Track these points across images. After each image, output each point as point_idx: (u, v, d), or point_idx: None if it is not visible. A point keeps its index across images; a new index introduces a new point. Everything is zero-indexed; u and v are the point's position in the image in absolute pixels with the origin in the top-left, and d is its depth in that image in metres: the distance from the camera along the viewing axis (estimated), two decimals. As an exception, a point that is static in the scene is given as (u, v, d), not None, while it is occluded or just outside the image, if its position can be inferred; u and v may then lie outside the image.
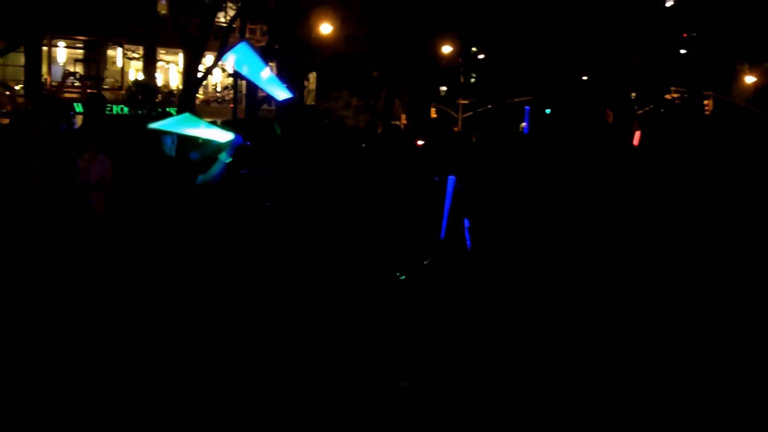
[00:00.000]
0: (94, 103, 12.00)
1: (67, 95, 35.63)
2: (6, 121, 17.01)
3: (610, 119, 13.02)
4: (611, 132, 11.04)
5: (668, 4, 44.40)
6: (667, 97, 44.13)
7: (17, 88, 35.56)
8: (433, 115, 42.58)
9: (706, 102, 41.95)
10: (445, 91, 48.46)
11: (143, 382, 6.12)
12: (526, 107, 10.08)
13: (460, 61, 45.26)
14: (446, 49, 40.26)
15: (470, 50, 46.02)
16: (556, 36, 40.99)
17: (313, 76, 43.30)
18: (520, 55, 41.83)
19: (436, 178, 7.61)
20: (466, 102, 45.93)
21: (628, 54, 45.04)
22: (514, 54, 42.04)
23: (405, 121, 41.47)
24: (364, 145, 9.32)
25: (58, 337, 7.05)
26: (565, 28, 41.09)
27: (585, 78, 46.13)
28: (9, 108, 30.14)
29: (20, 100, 32.89)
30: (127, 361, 6.49)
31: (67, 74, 37.90)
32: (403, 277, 7.61)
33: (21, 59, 36.83)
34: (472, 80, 49.25)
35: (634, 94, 46.61)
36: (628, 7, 42.92)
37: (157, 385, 6.10)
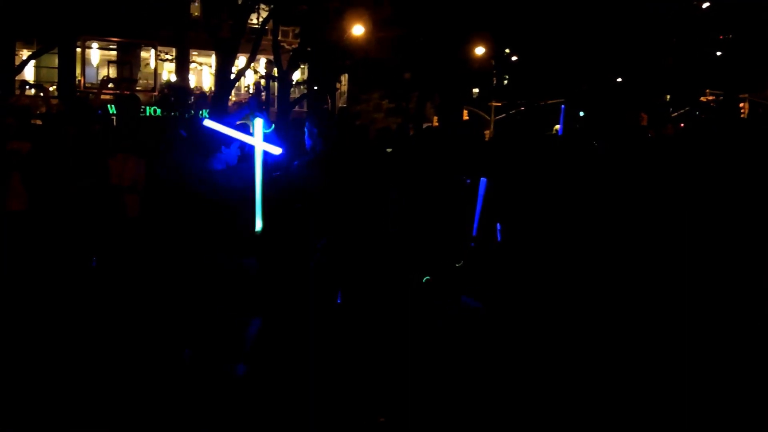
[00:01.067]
0: (128, 104, 12.02)
1: (102, 97, 35.91)
2: (39, 122, 17.13)
3: (644, 122, 12.88)
4: (645, 134, 10.89)
5: (705, 5, 43.95)
6: (703, 99, 43.73)
7: (51, 89, 35.86)
8: (465, 117, 42.43)
9: (741, 105, 41.45)
10: (478, 93, 48.27)
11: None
12: (562, 106, 9.96)
13: (493, 63, 45.09)
14: (479, 51, 40.11)
15: (503, 52, 45.83)
16: (589, 38, 40.71)
17: (344, 78, 43.33)
18: (553, 57, 41.60)
19: (468, 181, 7.52)
20: (499, 104, 45.74)
21: (662, 56, 44.66)
22: (547, 56, 41.81)
23: (436, 124, 41.36)
24: (394, 147, 9.27)
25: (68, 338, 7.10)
26: (598, 29, 40.79)
27: (619, 80, 45.81)
28: (43, 110, 30.37)
29: (54, 102, 33.16)
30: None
31: (107, 81, 38.07)
32: (427, 278, 7.53)
33: (55, 61, 37.15)
34: (505, 82, 49.05)
35: (668, 97, 46.25)
36: (663, 8, 42.54)
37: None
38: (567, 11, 39.97)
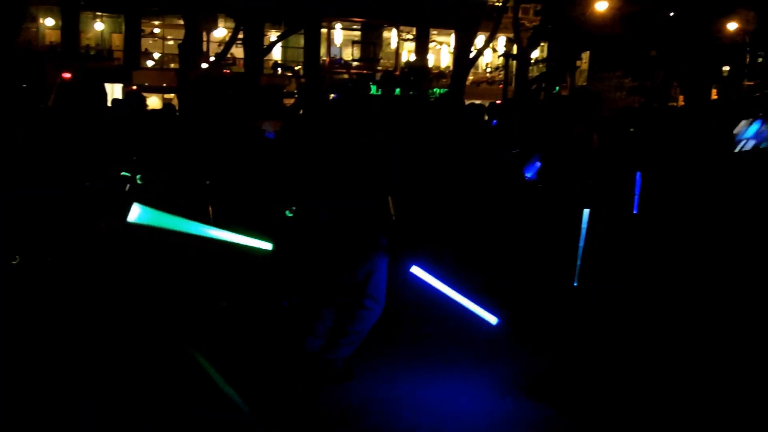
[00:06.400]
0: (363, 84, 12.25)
1: (336, 77, 37.12)
2: (292, 101, 17.98)
3: None
4: None
5: None
6: None
7: (296, 68, 37.40)
8: (714, 97, 40.45)
9: None
10: (728, 71, 45.80)
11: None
12: None
13: (747, 39, 42.59)
14: (731, 26, 38.02)
15: (759, 27, 43.18)
16: None
17: (585, 56, 42.40)
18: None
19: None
20: (752, 84, 43.23)
21: None
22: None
23: (682, 103, 39.72)
24: (637, 127, 8.94)
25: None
26: None
27: None
28: (293, 88, 31.71)
29: (302, 81, 34.57)
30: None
31: (276, 65, 38.75)
32: None
33: (301, 41, 38.63)
34: (760, 60, 46.23)
35: None
36: None
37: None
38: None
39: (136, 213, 6.13)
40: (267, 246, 6.17)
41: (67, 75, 24.80)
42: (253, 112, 9.12)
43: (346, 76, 37.70)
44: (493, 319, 6.31)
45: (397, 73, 38.74)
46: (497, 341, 6.58)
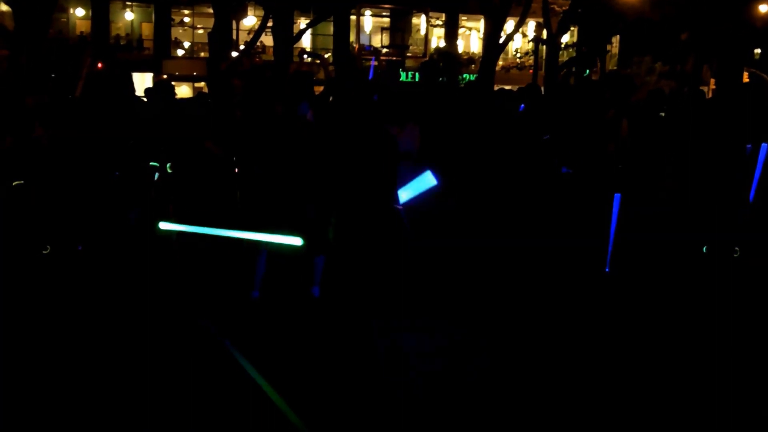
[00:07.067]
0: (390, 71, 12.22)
1: (365, 63, 37.01)
2: (321, 88, 17.89)
3: None
4: None
5: None
6: None
7: (326, 56, 37.36)
8: (746, 80, 39.92)
9: None
10: (760, 54, 45.20)
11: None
12: None
13: (778, 21, 42.00)
14: (762, 9, 37.52)
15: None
16: None
17: (616, 40, 42.02)
18: None
19: (749, 146, 7.05)
20: (785, 66, 42.64)
21: None
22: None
23: (714, 87, 39.28)
24: (667, 111, 8.86)
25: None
26: None
27: None
28: (321, 75, 31.62)
29: (331, 68, 34.47)
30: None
31: (303, 53, 38.64)
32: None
33: (330, 28, 38.59)
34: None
35: None
36: None
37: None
38: None
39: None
40: (297, 242, 6.20)
41: (99, 65, 24.96)
42: (287, 98, 9.07)
43: (375, 62, 37.58)
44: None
45: (426, 59, 38.66)
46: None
